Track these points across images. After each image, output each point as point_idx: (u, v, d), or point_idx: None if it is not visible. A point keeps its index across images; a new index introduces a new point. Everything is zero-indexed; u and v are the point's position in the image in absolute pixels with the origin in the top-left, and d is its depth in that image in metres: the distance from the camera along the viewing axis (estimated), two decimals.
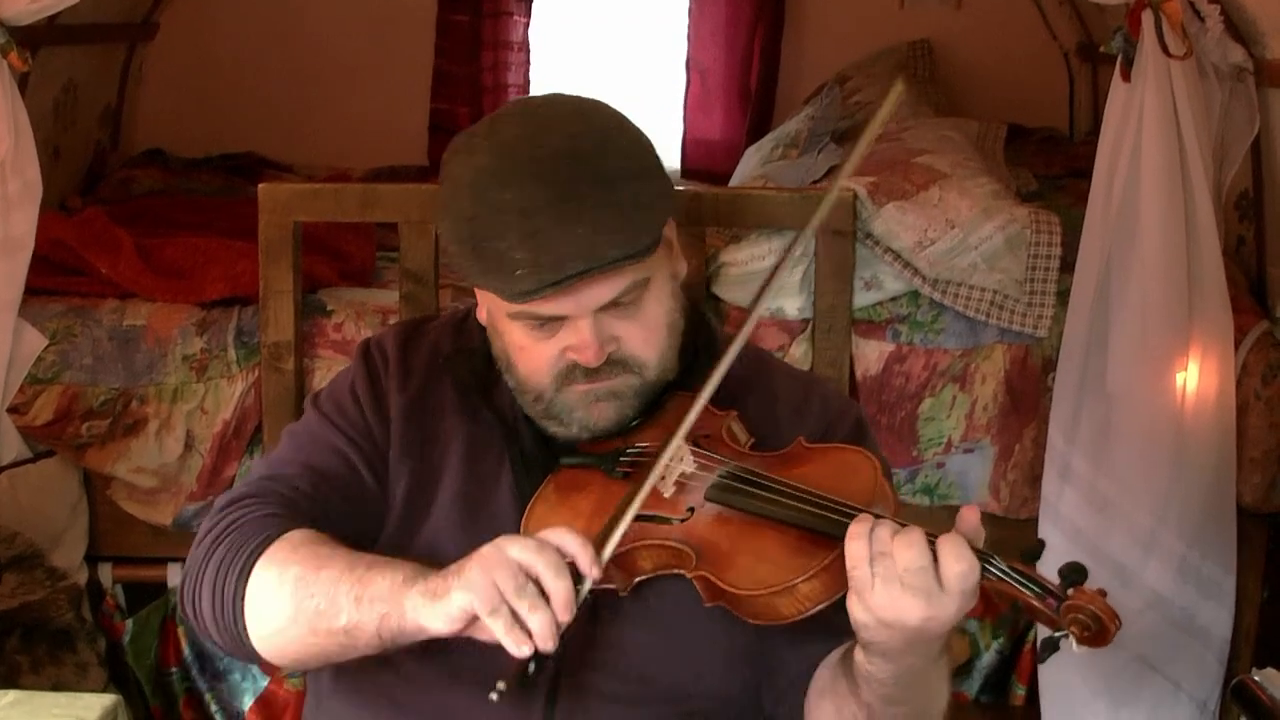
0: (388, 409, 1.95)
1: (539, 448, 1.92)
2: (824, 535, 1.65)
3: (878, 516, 1.62)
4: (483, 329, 1.96)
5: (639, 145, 1.83)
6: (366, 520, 1.91)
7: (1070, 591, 1.55)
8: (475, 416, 1.94)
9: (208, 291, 3.29)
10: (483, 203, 1.76)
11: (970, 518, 1.60)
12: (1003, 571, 1.57)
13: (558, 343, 1.82)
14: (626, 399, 1.85)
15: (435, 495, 1.91)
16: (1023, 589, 1.56)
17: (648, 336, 1.85)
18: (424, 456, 1.93)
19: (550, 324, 1.82)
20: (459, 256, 1.81)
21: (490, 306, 1.89)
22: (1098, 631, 1.53)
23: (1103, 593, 1.56)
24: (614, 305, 1.81)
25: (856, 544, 1.58)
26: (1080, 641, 1.54)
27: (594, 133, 1.80)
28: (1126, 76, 2.90)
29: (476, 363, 1.96)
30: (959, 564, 1.54)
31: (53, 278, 3.33)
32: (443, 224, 1.83)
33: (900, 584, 1.55)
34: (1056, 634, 1.55)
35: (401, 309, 3.11)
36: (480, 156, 1.80)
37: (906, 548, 1.55)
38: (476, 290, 1.92)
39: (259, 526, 1.80)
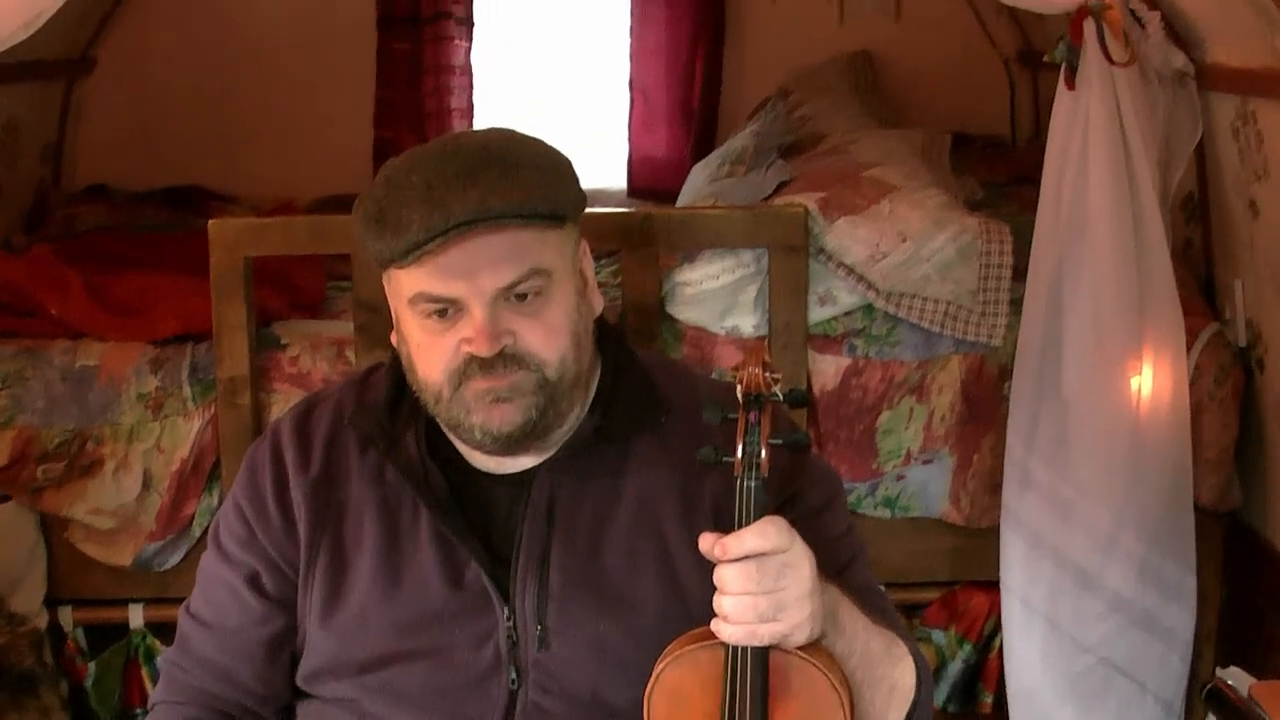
0: (288, 500, 1.96)
1: (453, 486, 1.92)
2: None
3: None
4: (386, 381, 1.98)
5: (551, 152, 1.89)
6: (286, 619, 1.96)
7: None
8: (380, 478, 1.94)
9: (159, 329, 3.27)
10: (392, 185, 1.83)
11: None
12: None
13: (455, 334, 1.82)
14: (526, 396, 1.83)
15: (356, 564, 1.92)
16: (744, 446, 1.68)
17: (548, 336, 1.84)
18: (339, 530, 1.94)
19: (448, 316, 1.82)
20: (363, 235, 1.84)
21: (396, 307, 1.90)
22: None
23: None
24: (513, 299, 1.82)
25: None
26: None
27: (506, 137, 1.89)
28: (1071, 84, 2.93)
29: (380, 415, 1.96)
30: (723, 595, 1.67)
31: (1, 319, 3.30)
32: (355, 215, 1.87)
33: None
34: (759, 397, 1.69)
35: (356, 340, 3.11)
36: (397, 160, 1.88)
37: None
38: (388, 295, 1.92)
39: None
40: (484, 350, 1.81)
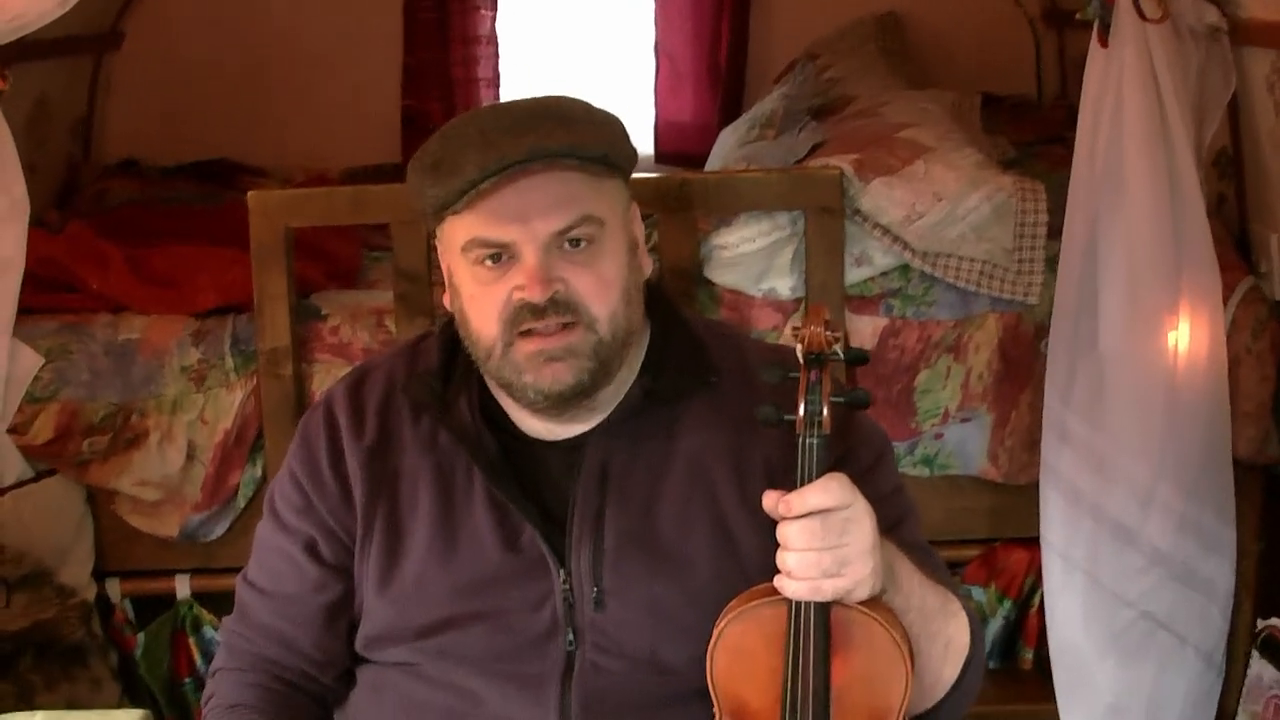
0: (344, 467, 1.98)
1: (506, 451, 1.94)
2: None
3: None
4: (438, 348, 2.01)
5: (604, 110, 1.92)
6: (344, 586, 1.99)
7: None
8: (435, 444, 1.96)
9: (200, 301, 3.30)
10: (447, 138, 1.87)
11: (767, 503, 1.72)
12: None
13: (507, 283, 1.84)
14: (580, 359, 1.86)
15: (412, 531, 1.94)
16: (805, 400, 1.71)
17: (598, 287, 1.86)
18: (394, 497, 1.96)
19: (501, 262, 1.85)
20: (419, 184, 1.87)
21: (449, 261, 1.93)
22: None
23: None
24: (565, 246, 1.84)
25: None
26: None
27: (560, 97, 1.93)
28: (1104, 42, 2.93)
29: (432, 381, 1.98)
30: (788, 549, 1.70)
31: (44, 295, 3.32)
32: (411, 169, 1.90)
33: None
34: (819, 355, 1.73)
35: (396, 309, 3.13)
36: (452, 120, 1.93)
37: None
38: (441, 252, 1.95)
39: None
40: (536, 295, 1.83)
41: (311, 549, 1.98)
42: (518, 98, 1.97)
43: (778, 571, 1.70)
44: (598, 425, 1.94)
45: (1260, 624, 2.42)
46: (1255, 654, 2.45)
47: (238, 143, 5.01)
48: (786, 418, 1.71)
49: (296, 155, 4.98)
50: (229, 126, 5.04)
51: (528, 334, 1.85)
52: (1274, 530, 3.20)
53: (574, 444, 1.94)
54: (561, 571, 1.88)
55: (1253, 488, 3.16)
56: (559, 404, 1.89)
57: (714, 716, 1.78)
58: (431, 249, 2.91)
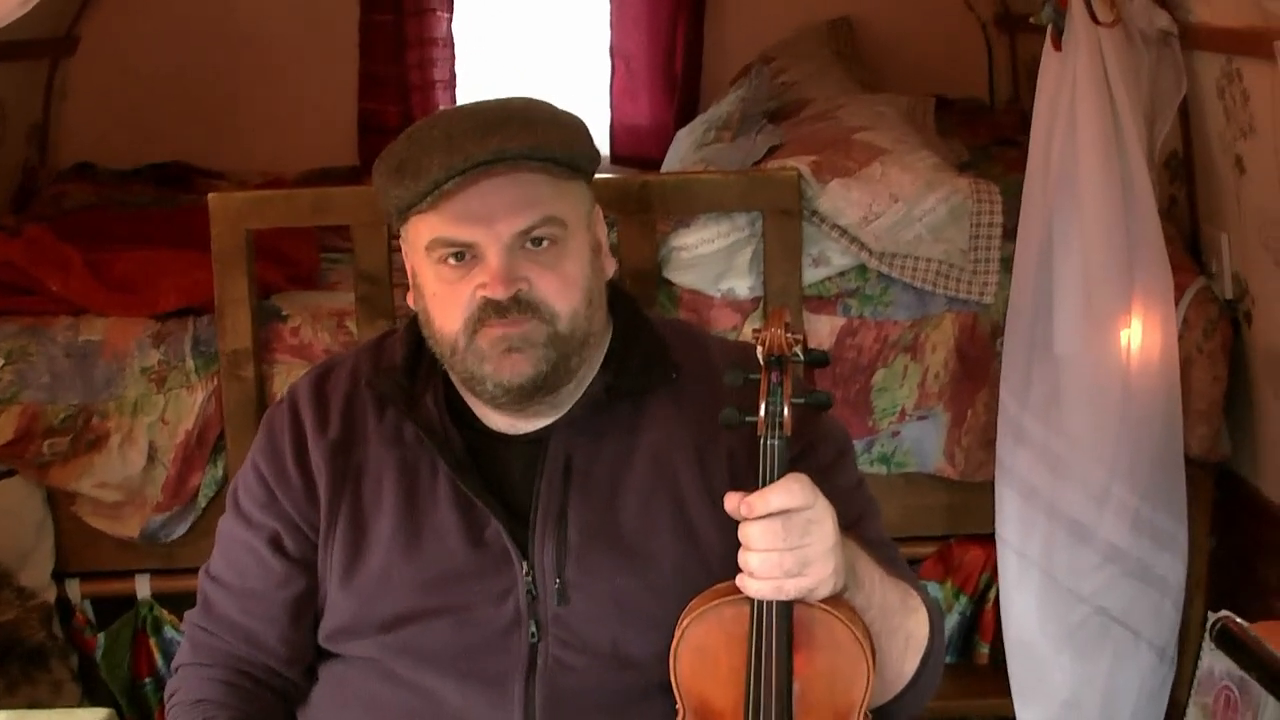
0: (308, 461, 2.00)
1: (470, 447, 1.96)
2: None
3: None
4: (403, 344, 2.03)
5: (568, 113, 1.96)
6: (308, 580, 2.00)
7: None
8: (400, 439, 1.98)
9: (161, 304, 3.29)
10: (413, 139, 1.90)
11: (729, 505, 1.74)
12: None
13: (470, 282, 1.87)
14: (537, 348, 1.88)
15: (376, 525, 1.96)
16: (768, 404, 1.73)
17: (561, 287, 1.89)
18: (358, 491, 1.97)
19: (464, 261, 1.88)
20: (384, 185, 1.90)
21: (413, 261, 1.95)
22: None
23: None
24: (528, 246, 1.87)
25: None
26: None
27: (525, 99, 1.96)
28: (1058, 46, 2.98)
29: (399, 376, 2.00)
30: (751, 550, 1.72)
31: (2, 298, 3.32)
32: (376, 171, 1.93)
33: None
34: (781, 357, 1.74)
35: (358, 311, 3.14)
36: (418, 122, 1.96)
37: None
38: (405, 252, 1.97)
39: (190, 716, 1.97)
40: (498, 293, 1.85)
41: (275, 543, 1.99)
42: (479, 100, 1.99)
43: (740, 569, 1.73)
44: (560, 419, 1.96)
45: (1212, 616, 2.45)
46: (1208, 647, 2.48)
47: (193, 147, 5.02)
48: (748, 419, 1.73)
49: (253, 159, 5.00)
50: (185, 131, 5.04)
51: (490, 324, 1.88)
52: (1225, 527, 3.25)
53: (537, 438, 1.96)
54: (525, 564, 1.90)
55: (1205, 485, 3.21)
56: (519, 398, 1.91)
57: (678, 714, 1.81)
58: (393, 251, 2.92)
